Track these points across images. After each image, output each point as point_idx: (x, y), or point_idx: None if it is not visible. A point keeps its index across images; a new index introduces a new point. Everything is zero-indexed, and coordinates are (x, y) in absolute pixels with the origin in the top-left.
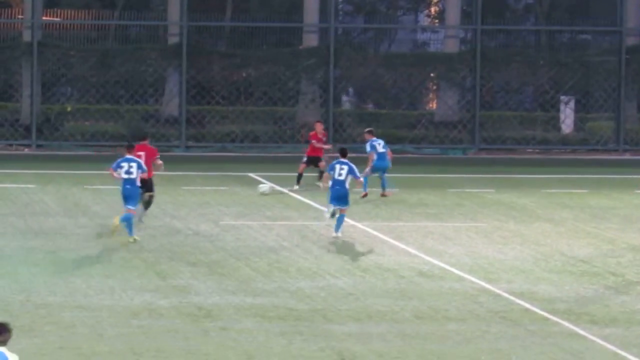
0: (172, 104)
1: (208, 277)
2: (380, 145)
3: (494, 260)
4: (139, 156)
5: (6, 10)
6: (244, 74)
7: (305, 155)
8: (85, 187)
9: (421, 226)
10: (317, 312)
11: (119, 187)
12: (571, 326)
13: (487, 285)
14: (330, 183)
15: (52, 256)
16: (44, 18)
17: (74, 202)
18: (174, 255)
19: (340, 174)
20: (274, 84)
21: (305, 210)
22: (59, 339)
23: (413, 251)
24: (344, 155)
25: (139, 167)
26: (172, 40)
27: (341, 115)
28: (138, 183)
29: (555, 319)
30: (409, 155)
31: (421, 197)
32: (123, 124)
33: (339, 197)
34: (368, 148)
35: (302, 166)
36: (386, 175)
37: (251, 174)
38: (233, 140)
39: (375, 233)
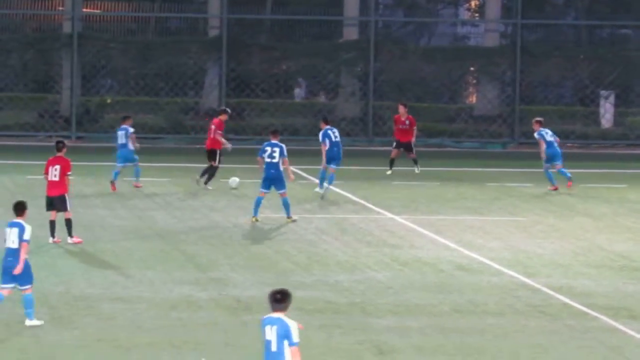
0: (211, 96)
1: (247, 269)
2: (548, 134)
3: (532, 255)
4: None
5: (47, 2)
6: (283, 67)
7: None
8: (124, 179)
9: (460, 220)
10: (356, 306)
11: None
12: (610, 321)
13: (526, 280)
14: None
15: (91, 248)
16: (84, 10)
17: (112, 194)
18: (212, 248)
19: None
20: (313, 77)
21: (344, 204)
22: (97, 330)
23: (452, 245)
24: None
25: (281, 152)
26: (212, 32)
27: (381, 108)
28: (281, 167)
29: (594, 313)
30: (449, 149)
31: (460, 190)
32: (163, 116)
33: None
34: (537, 136)
35: (394, 151)
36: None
37: (290, 167)
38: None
39: (414, 226)
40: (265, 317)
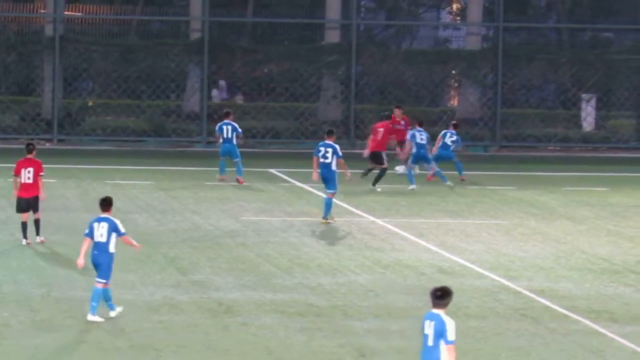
0: (193, 99)
1: (228, 272)
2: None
3: (514, 258)
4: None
5: (29, 4)
6: (265, 70)
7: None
8: (106, 182)
9: (442, 223)
10: (337, 309)
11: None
12: (591, 324)
13: (508, 283)
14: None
15: (73, 251)
16: (66, 13)
17: (94, 197)
18: (194, 251)
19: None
20: (295, 80)
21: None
22: (79, 333)
23: (433, 248)
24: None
25: (335, 152)
26: (194, 35)
27: (362, 111)
28: (334, 168)
29: (575, 316)
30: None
31: (442, 194)
32: (144, 119)
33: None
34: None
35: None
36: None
37: (272, 170)
38: (254, 136)
39: (396, 229)
40: (427, 312)
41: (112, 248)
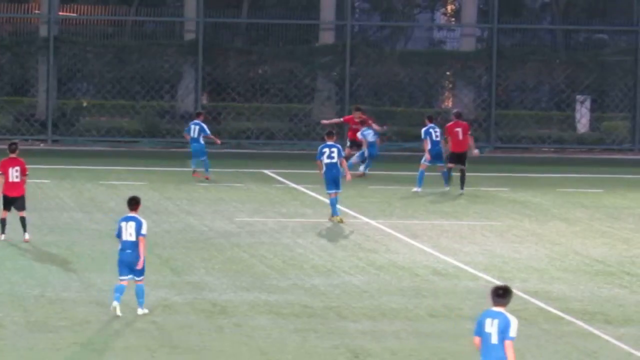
0: (187, 100)
1: (223, 273)
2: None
3: (508, 259)
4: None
5: (23, 5)
6: (259, 71)
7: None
8: (100, 182)
9: (436, 224)
10: (332, 310)
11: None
12: (585, 326)
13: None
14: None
15: (67, 251)
16: (60, 13)
17: (89, 197)
18: (188, 252)
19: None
20: (289, 81)
21: (320, 208)
22: (73, 334)
23: (427, 249)
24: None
25: (339, 152)
26: (188, 36)
27: None
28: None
29: (569, 318)
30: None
31: (436, 195)
32: (139, 119)
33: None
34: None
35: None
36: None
37: (266, 171)
38: (248, 137)
39: (390, 231)
40: (485, 310)
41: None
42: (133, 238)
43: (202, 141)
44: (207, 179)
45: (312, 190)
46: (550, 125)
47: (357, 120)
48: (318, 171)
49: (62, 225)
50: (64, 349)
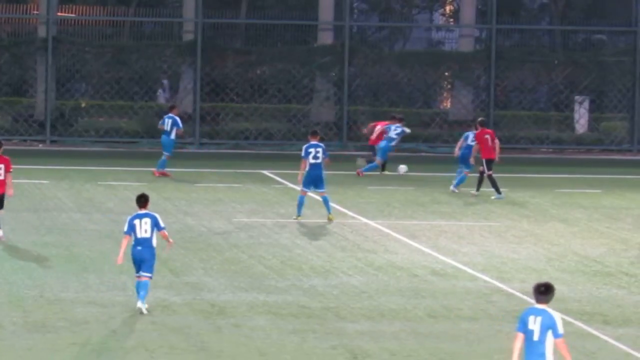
0: (186, 100)
1: (221, 274)
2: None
3: (507, 260)
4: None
5: (22, 5)
6: (258, 71)
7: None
8: (98, 183)
9: (434, 225)
10: (330, 310)
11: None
12: (584, 326)
13: (500, 285)
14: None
15: (65, 252)
16: (59, 14)
17: (87, 198)
18: (187, 252)
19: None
20: (288, 82)
21: (318, 208)
22: (71, 334)
23: (426, 250)
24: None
25: (324, 152)
26: (187, 37)
27: (355, 113)
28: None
29: (568, 318)
30: (423, 154)
31: (435, 195)
32: (137, 120)
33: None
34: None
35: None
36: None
37: (265, 172)
38: (247, 138)
39: (389, 231)
40: (527, 308)
41: (154, 243)
42: (148, 234)
43: (173, 136)
44: (154, 174)
45: (311, 191)
46: (548, 125)
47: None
48: (299, 171)
49: (61, 226)
50: (62, 349)
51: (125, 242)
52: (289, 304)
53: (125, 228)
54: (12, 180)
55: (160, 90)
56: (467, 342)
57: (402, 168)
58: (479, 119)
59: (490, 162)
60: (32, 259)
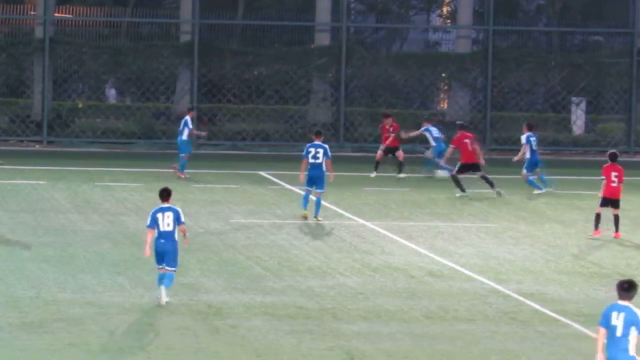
0: (183, 101)
1: (218, 275)
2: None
3: (504, 261)
4: None
5: (19, 6)
6: (255, 72)
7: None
8: (95, 184)
9: (431, 226)
10: (327, 311)
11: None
12: (581, 328)
13: (497, 286)
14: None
15: (62, 253)
16: (56, 15)
17: (84, 199)
18: (184, 253)
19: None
20: (285, 83)
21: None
22: (68, 335)
23: (423, 251)
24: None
25: (325, 153)
26: (184, 37)
27: (352, 114)
28: (324, 168)
29: (564, 320)
30: (420, 155)
31: (431, 196)
32: (134, 121)
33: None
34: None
35: (379, 153)
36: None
37: (262, 172)
38: (244, 139)
39: (385, 232)
40: (611, 304)
41: (177, 236)
42: (171, 228)
43: (184, 137)
44: (180, 176)
45: (313, 190)
46: (545, 127)
47: (388, 127)
48: (301, 171)
49: (58, 227)
50: (59, 350)
51: (151, 236)
52: (285, 305)
53: (148, 221)
54: (9, 181)
55: (111, 90)
56: (464, 343)
57: (440, 172)
58: (458, 122)
59: (468, 167)
60: (29, 259)
